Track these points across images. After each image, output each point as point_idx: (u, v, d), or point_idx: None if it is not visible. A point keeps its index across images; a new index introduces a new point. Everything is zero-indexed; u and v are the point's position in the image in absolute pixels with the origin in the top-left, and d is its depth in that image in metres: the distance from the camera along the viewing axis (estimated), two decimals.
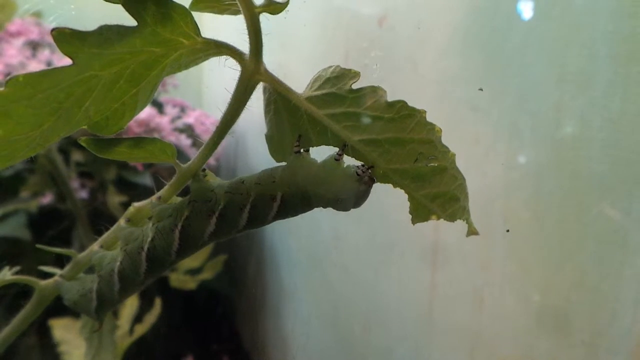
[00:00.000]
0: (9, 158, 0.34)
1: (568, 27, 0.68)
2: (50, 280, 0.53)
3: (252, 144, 1.58)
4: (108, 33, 0.32)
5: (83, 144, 0.39)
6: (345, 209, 0.42)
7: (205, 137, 1.33)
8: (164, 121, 1.38)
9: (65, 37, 0.30)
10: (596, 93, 0.66)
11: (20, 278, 0.52)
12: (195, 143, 1.43)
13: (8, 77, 0.28)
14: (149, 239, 0.46)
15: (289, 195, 0.42)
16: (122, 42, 0.33)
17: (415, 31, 0.90)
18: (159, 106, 1.46)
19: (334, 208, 0.42)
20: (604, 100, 0.65)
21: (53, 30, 0.29)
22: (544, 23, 0.72)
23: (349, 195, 0.41)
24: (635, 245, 0.63)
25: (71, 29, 0.30)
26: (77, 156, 1.35)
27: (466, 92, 0.82)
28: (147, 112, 1.32)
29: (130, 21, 0.34)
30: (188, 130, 1.45)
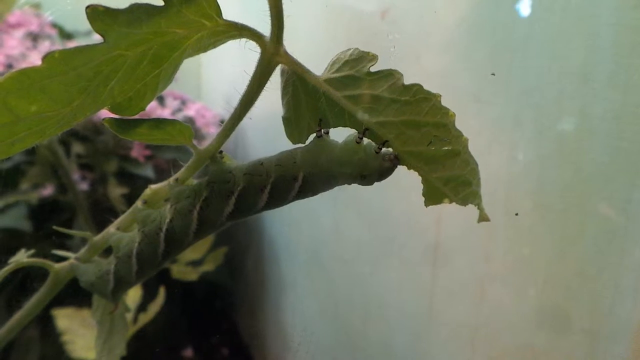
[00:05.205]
0: (40, 134, 0.34)
1: (571, 20, 0.69)
2: (65, 263, 0.54)
3: (252, 135, 1.59)
4: (138, 12, 0.32)
5: (106, 124, 0.40)
6: (369, 184, 0.43)
7: (206, 130, 1.32)
8: (165, 114, 1.39)
9: (98, 15, 0.31)
10: (598, 85, 0.67)
11: (35, 260, 0.53)
12: (196, 136, 1.43)
13: (45, 53, 0.29)
14: (168, 220, 0.46)
15: (311, 175, 0.43)
16: (150, 22, 0.34)
17: (417, 24, 0.91)
18: (160, 99, 1.46)
19: (358, 184, 0.44)
20: (606, 92, 0.66)
21: (87, 7, 0.30)
22: (547, 15, 0.72)
23: (372, 172, 0.42)
24: (635, 235, 0.64)
25: (104, 6, 0.31)
26: (77, 148, 1.36)
27: (469, 84, 0.83)
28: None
29: None
30: (189, 122, 1.45)
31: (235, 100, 0.45)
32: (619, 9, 0.64)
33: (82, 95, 0.34)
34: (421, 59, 0.90)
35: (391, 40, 0.60)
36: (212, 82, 1.96)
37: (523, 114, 0.77)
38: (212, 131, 1.48)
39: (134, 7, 0.32)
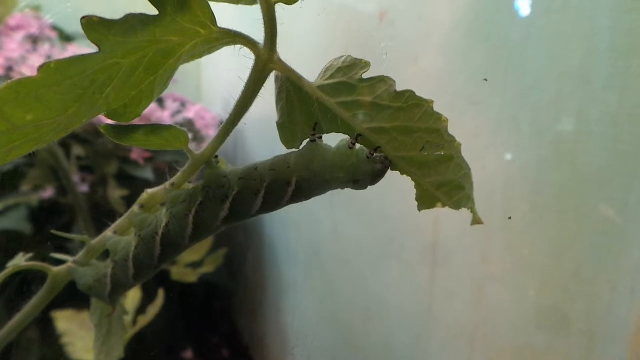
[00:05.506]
0: (37, 142, 0.35)
1: (568, 22, 0.69)
2: (63, 267, 0.54)
3: (251, 137, 1.59)
4: (133, 21, 0.33)
5: (102, 131, 0.40)
6: (362, 188, 0.44)
7: (206, 132, 1.32)
8: (164, 116, 1.39)
9: (93, 25, 0.31)
10: (595, 87, 0.67)
11: (33, 264, 0.54)
12: (196, 137, 1.44)
13: (41, 64, 0.29)
14: (163, 224, 0.47)
15: (305, 180, 0.44)
16: (145, 31, 0.34)
17: (415, 26, 0.91)
18: (160, 101, 1.47)
19: (351, 188, 0.44)
20: (603, 94, 0.66)
21: (83, 18, 0.30)
22: (544, 18, 0.73)
23: (365, 176, 0.43)
24: (632, 236, 0.64)
25: (99, 17, 0.31)
26: (77, 150, 1.36)
27: (467, 86, 0.83)
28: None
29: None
30: (188, 124, 1.46)
31: (232, 106, 0.46)
32: (615, 12, 0.65)
33: (78, 104, 0.34)
34: (419, 61, 0.90)
35: (384, 48, 0.61)
36: (212, 83, 1.97)
37: (520, 116, 0.77)
38: (212, 133, 1.48)
39: (128, 17, 0.33)
